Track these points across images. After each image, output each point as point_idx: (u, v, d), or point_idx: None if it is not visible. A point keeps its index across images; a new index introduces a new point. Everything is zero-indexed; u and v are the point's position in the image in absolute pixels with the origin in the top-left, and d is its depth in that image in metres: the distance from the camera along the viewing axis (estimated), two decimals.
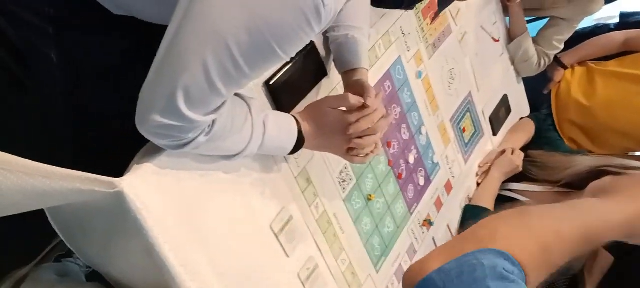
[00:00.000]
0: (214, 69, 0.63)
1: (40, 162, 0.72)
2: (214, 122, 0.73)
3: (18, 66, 0.91)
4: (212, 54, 0.62)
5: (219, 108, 0.71)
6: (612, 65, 1.88)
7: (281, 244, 0.98)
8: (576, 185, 1.56)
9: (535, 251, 0.56)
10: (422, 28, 1.38)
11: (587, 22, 1.89)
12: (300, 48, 0.65)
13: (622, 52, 1.90)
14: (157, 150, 0.79)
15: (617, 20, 2.15)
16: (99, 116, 0.92)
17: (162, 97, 0.66)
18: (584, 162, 1.57)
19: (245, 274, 0.91)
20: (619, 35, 1.92)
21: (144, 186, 0.76)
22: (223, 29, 0.60)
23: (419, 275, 0.57)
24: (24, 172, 0.71)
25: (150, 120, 0.68)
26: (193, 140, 0.73)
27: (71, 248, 0.97)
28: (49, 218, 0.91)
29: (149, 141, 0.75)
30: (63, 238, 0.92)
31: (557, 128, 1.93)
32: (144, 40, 0.79)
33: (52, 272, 1.18)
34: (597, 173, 1.50)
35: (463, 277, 0.52)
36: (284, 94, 0.99)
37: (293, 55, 0.65)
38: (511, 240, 0.56)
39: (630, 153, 1.90)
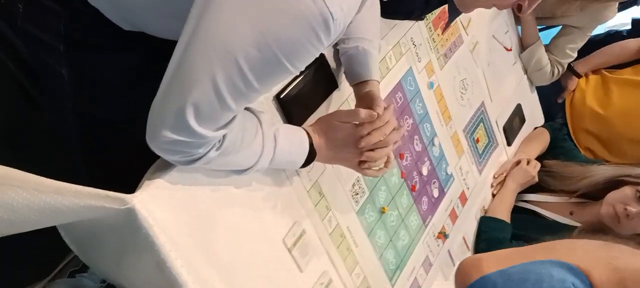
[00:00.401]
0: (224, 84, 0.62)
1: (52, 178, 0.73)
2: (224, 137, 0.73)
3: (30, 83, 0.91)
4: (222, 70, 0.61)
5: (229, 123, 0.70)
6: (627, 73, 1.86)
7: (294, 259, 0.97)
8: (593, 195, 1.54)
9: (613, 281, 0.53)
10: (433, 39, 1.37)
11: (599, 29, 1.87)
12: (310, 62, 0.64)
13: (636, 60, 1.88)
14: (168, 166, 0.79)
15: (629, 27, 2.12)
16: (110, 132, 0.92)
17: (171, 112, 0.66)
18: (601, 172, 1.55)
19: None
20: (633, 43, 1.90)
21: (155, 202, 0.75)
22: (232, 45, 0.60)
23: (477, 272, 0.54)
24: (36, 188, 0.71)
25: (160, 136, 0.68)
26: (204, 155, 0.73)
27: (85, 262, 0.97)
28: (62, 234, 0.91)
29: (160, 157, 0.74)
30: (76, 252, 0.92)
31: (573, 137, 1.91)
32: (154, 55, 0.79)
33: (66, 287, 1.18)
34: (615, 183, 1.48)
35: (527, 283, 0.49)
36: (294, 107, 0.98)
37: (302, 69, 0.65)
38: (589, 261, 0.53)
39: None
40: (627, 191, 1.42)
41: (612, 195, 1.45)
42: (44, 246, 1.10)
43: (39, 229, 0.79)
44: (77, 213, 0.74)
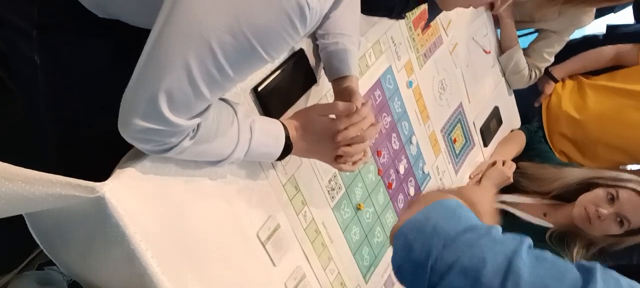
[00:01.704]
0: (197, 71, 0.62)
1: (23, 166, 0.71)
2: (198, 126, 0.72)
3: (1, 68, 0.89)
4: (195, 56, 0.61)
5: (203, 112, 0.69)
6: (603, 79, 1.89)
7: (268, 253, 0.97)
8: (566, 197, 1.56)
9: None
10: (413, 38, 1.38)
11: (576, 34, 1.90)
12: (285, 51, 0.64)
13: (612, 66, 1.91)
14: (140, 155, 0.78)
15: (604, 32, 2.16)
16: (83, 120, 0.90)
17: (143, 100, 0.65)
18: (574, 174, 1.57)
19: (231, 283, 0.89)
20: (610, 50, 1.93)
21: (126, 191, 0.74)
22: (206, 31, 0.59)
23: (396, 229, 0.66)
24: (4, 176, 0.69)
25: (132, 124, 0.67)
26: (177, 144, 0.72)
27: (50, 257, 0.94)
28: (28, 225, 0.89)
29: (133, 146, 0.73)
30: (41, 246, 0.90)
31: (548, 140, 1.93)
32: (129, 44, 0.78)
33: (34, 280, 1.16)
34: (588, 185, 1.50)
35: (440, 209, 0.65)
36: (272, 101, 0.98)
37: (278, 58, 0.64)
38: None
39: (621, 167, 1.91)
40: (599, 193, 1.44)
41: (584, 197, 1.47)
42: (13, 238, 1.08)
43: (8, 220, 0.77)
44: (46, 202, 0.73)
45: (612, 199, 1.41)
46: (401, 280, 0.65)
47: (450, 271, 0.57)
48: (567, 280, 0.53)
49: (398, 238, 0.64)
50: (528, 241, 0.58)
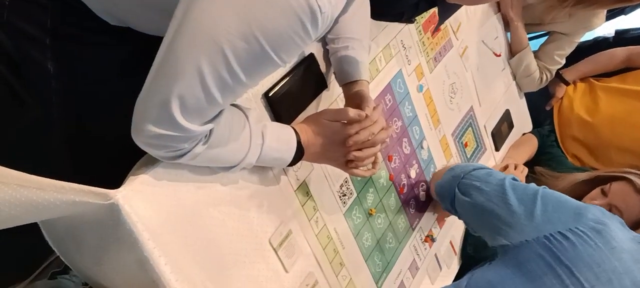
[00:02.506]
0: (210, 76, 0.62)
1: (37, 173, 0.71)
2: (211, 131, 0.72)
3: (15, 78, 0.90)
4: (208, 61, 0.61)
5: (215, 117, 0.69)
6: (614, 82, 1.87)
7: (280, 259, 0.96)
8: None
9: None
10: (423, 42, 1.37)
11: (586, 36, 1.88)
12: (297, 55, 0.64)
13: (623, 69, 1.90)
14: (153, 162, 0.78)
15: (613, 34, 2.15)
16: (96, 127, 0.91)
17: (156, 105, 0.65)
18: (581, 175, 1.56)
19: None
20: (621, 52, 1.91)
21: (138, 198, 0.74)
22: (218, 36, 0.59)
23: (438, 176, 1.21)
24: (19, 184, 0.70)
25: (145, 130, 0.67)
26: (189, 150, 0.72)
27: (65, 262, 0.95)
28: (43, 232, 0.89)
29: (146, 153, 0.73)
30: (57, 252, 0.91)
31: (560, 144, 1.92)
32: (141, 50, 0.78)
33: None
34: (591, 183, 1.48)
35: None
36: (283, 106, 0.98)
37: (290, 62, 0.64)
38: None
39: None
40: (596, 190, 1.43)
41: (586, 196, 1.46)
42: (26, 248, 1.08)
43: (21, 230, 0.77)
44: (59, 208, 0.73)
45: (606, 192, 1.40)
46: (441, 193, 1.15)
47: (474, 170, 1.08)
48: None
49: (448, 171, 1.14)
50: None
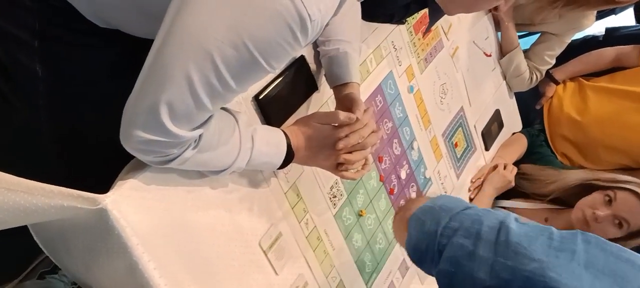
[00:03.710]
0: (199, 83, 0.61)
1: (26, 177, 0.71)
2: (200, 136, 0.72)
3: (3, 80, 0.89)
4: (197, 68, 0.60)
5: (204, 122, 0.69)
6: (603, 81, 1.88)
7: (270, 261, 0.97)
8: (567, 201, 1.56)
9: None
10: (414, 43, 1.37)
11: (576, 35, 1.90)
12: (287, 61, 0.64)
13: (613, 68, 1.91)
14: (142, 166, 0.78)
15: (603, 33, 2.16)
16: (86, 130, 0.90)
17: (145, 111, 0.64)
18: (573, 176, 1.57)
19: None
20: (610, 52, 1.92)
21: (127, 203, 0.74)
22: (207, 43, 0.59)
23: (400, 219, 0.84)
24: (6, 187, 0.69)
25: (134, 135, 0.67)
26: (178, 155, 0.72)
27: (56, 263, 0.94)
28: (32, 233, 0.89)
29: (134, 157, 0.73)
30: (47, 253, 0.90)
31: (550, 143, 1.93)
32: (130, 53, 0.78)
33: None
34: (587, 188, 1.50)
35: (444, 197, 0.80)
36: (273, 108, 0.97)
37: (280, 68, 0.64)
38: None
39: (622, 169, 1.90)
40: (596, 196, 1.44)
41: (583, 201, 1.47)
42: (14, 247, 1.08)
43: (9, 229, 0.77)
44: (48, 213, 0.72)
45: (610, 201, 1.41)
46: (416, 259, 0.78)
47: (456, 233, 0.70)
48: (546, 232, 0.66)
49: (412, 220, 0.79)
50: (514, 215, 0.73)
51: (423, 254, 0.74)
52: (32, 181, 0.71)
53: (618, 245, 0.65)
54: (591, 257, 0.62)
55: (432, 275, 0.74)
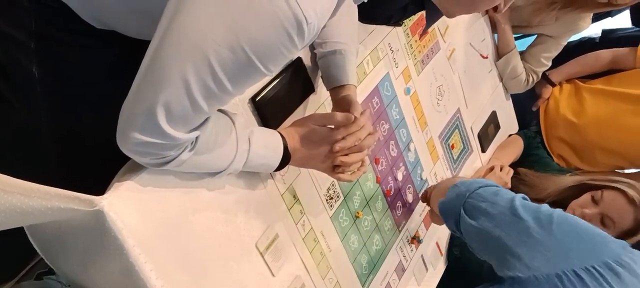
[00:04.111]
0: (195, 85, 0.62)
1: (24, 178, 0.71)
2: (197, 138, 0.72)
3: (2, 80, 0.89)
4: (193, 71, 0.61)
5: (201, 124, 0.69)
6: (599, 83, 1.89)
7: (267, 263, 0.97)
8: (563, 204, 1.56)
9: None
10: (411, 44, 1.38)
11: (573, 37, 1.90)
12: (283, 64, 0.64)
13: (609, 70, 1.92)
14: (138, 168, 0.78)
15: (600, 35, 2.17)
16: (83, 130, 0.90)
17: (141, 114, 0.65)
18: (569, 179, 1.57)
19: None
20: (606, 54, 1.93)
21: (124, 204, 0.74)
22: (204, 46, 0.59)
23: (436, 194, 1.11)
24: (2, 188, 0.69)
25: (130, 137, 0.67)
26: (175, 157, 0.72)
27: (51, 265, 0.94)
28: (28, 235, 0.89)
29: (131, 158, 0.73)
30: (42, 256, 0.90)
31: (546, 145, 1.93)
32: (128, 53, 0.78)
33: None
34: (581, 188, 1.50)
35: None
36: (270, 110, 0.98)
37: (276, 71, 0.64)
38: None
39: (618, 171, 1.91)
40: (586, 196, 1.45)
41: (575, 201, 1.48)
42: (11, 247, 1.07)
43: (7, 230, 0.77)
44: (44, 214, 0.72)
45: (597, 200, 1.41)
46: (445, 212, 1.01)
47: (480, 188, 0.95)
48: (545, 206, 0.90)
49: (452, 188, 1.01)
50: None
51: (451, 208, 0.99)
52: (28, 182, 0.70)
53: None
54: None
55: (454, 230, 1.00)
